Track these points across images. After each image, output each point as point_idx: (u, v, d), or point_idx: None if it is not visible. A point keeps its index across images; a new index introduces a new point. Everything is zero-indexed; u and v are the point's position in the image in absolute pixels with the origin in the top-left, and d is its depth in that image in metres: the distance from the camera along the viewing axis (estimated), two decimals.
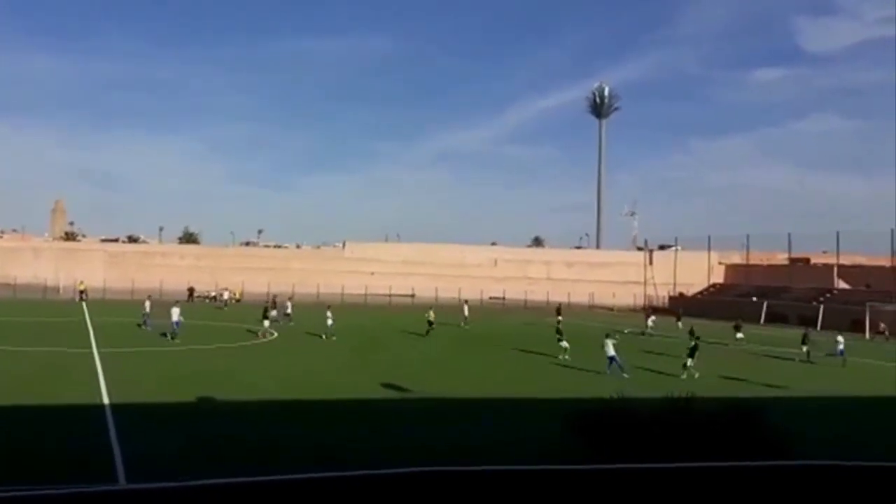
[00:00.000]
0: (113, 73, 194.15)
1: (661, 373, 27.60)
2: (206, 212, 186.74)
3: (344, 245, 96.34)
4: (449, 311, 52.12)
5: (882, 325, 49.23)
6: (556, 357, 31.10)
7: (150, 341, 33.32)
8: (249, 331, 38.02)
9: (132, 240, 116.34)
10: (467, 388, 23.69)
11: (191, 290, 66.87)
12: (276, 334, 37.04)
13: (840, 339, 34.45)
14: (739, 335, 42.55)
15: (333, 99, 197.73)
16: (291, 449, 14.54)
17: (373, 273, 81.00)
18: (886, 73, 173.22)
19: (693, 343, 28.98)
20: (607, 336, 28.91)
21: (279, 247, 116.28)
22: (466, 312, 49.37)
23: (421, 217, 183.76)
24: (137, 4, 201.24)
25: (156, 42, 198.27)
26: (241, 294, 66.96)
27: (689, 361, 27.30)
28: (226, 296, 62.82)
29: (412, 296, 76.09)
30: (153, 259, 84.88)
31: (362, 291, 72.44)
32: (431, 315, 42.71)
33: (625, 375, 26.32)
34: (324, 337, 36.64)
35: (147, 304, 40.74)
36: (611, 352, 27.83)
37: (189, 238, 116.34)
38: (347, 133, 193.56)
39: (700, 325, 43.67)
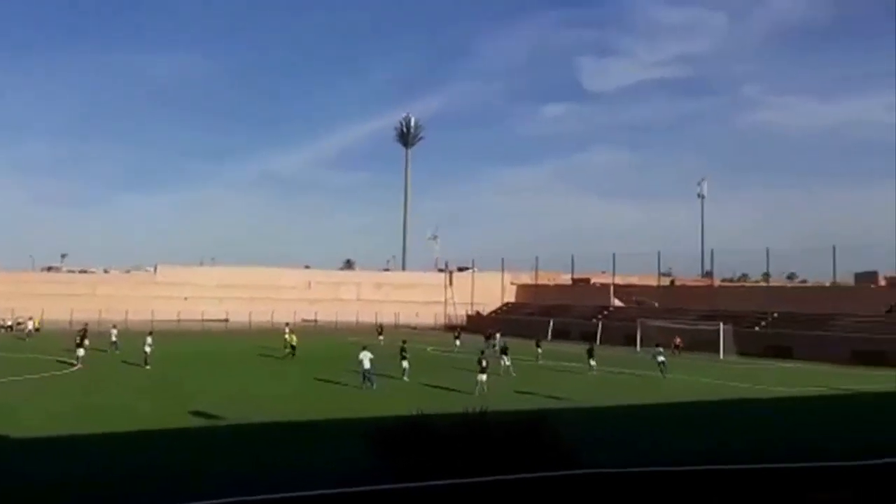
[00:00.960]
0: None
1: (455, 390, 28.35)
2: (4, 235, 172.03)
3: (156, 269, 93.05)
4: (266, 334, 52.64)
5: (678, 339, 51.66)
6: (394, 377, 31.82)
7: None
8: (60, 361, 36.31)
9: None
10: (278, 412, 23.32)
11: None
12: (80, 365, 35.32)
13: (660, 349, 38.86)
14: (540, 350, 45.16)
15: (149, 117, 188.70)
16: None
17: (186, 298, 79.02)
18: (658, 110, 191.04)
19: (482, 359, 29.26)
20: (364, 349, 29.51)
21: (85, 271, 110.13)
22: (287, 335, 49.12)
23: (237, 240, 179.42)
24: None
25: None
26: (40, 323, 60.54)
27: (482, 377, 28.27)
28: (30, 325, 58.88)
29: (226, 320, 75.35)
30: None
31: (175, 317, 70.90)
32: (293, 339, 43.13)
33: (373, 387, 27.80)
34: (148, 366, 35.49)
35: None
36: (366, 365, 28.62)
37: None
38: (163, 152, 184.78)
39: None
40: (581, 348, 41.46)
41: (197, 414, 22.74)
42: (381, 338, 55.33)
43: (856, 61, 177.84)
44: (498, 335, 53.72)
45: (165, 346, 42.56)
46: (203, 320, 72.86)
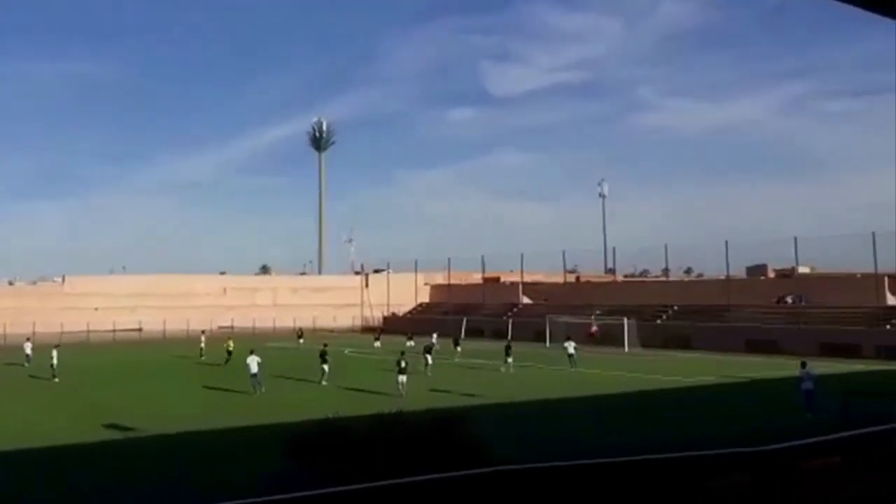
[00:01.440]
0: None
1: (377, 392, 28.50)
2: None
3: (64, 280, 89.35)
4: (181, 343, 51.39)
5: (594, 328, 53.64)
6: (314, 381, 31.78)
7: None
8: None
9: None
10: (195, 421, 22.47)
11: None
12: None
13: (571, 342, 39.66)
14: (459, 349, 45.89)
15: (55, 122, 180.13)
16: None
17: (96, 308, 76.20)
18: (560, 113, 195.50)
19: (401, 360, 29.00)
20: (252, 353, 29.09)
21: None
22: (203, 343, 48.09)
23: (149, 247, 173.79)
24: None
25: None
26: None
27: (402, 378, 28.21)
28: None
29: (139, 329, 73.02)
30: None
31: (85, 328, 68.34)
32: (231, 344, 42.41)
33: (260, 391, 27.71)
34: (56, 379, 34.05)
35: None
36: (254, 369, 28.18)
37: None
38: (69, 158, 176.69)
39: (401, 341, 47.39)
40: (495, 346, 42.15)
41: (110, 427, 21.95)
42: (301, 341, 55.02)
43: (740, 64, 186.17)
44: (435, 335, 54.21)
45: (75, 359, 41.15)
46: (115, 330, 70.38)
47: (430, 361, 36.46)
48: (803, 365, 25.05)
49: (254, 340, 50.06)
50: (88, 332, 67.53)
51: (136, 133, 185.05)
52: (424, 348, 38.12)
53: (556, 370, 38.11)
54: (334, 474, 11.78)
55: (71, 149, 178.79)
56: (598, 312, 58.13)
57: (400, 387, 27.98)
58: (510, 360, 37.85)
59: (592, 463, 11.22)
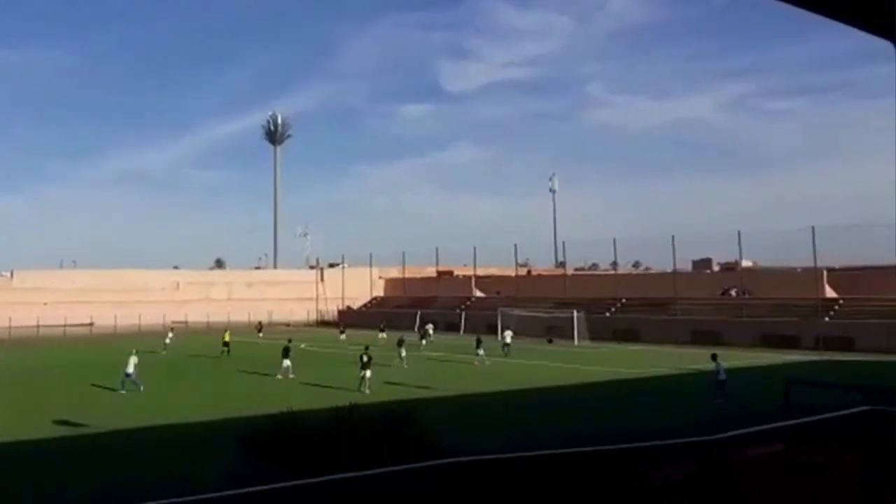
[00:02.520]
0: None
1: (339, 388, 28.01)
2: None
3: (12, 274, 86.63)
4: (134, 337, 50.16)
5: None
6: (276, 376, 31.36)
7: None
8: None
9: None
10: (149, 416, 21.93)
11: None
12: None
13: (509, 332, 39.69)
14: (424, 341, 45.87)
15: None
16: None
17: (46, 303, 74.00)
18: (513, 108, 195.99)
19: (364, 355, 28.24)
20: (134, 353, 28.29)
21: None
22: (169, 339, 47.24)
23: (100, 242, 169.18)
24: None
25: None
26: None
27: (366, 373, 27.44)
28: None
29: (90, 325, 71.13)
30: None
31: (34, 323, 66.34)
32: (227, 337, 42.81)
33: (124, 391, 26.77)
34: None
35: None
36: (130, 369, 27.35)
37: None
38: (15, 151, 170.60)
39: (366, 335, 46.98)
40: (454, 338, 42.10)
41: (60, 423, 21.13)
42: (260, 335, 54.46)
43: (687, 62, 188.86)
44: (430, 326, 54.58)
45: (22, 354, 39.83)
46: (66, 325, 68.42)
47: (404, 354, 36.20)
48: (714, 357, 26.29)
49: (210, 335, 49.34)
50: (38, 326, 65.62)
51: (87, 126, 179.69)
52: (398, 341, 37.90)
53: (507, 362, 38.24)
54: (286, 469, 11.59)
55: (20, 142, 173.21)
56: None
57: (363, 383, 27.18)
58: (482, 352, 37.50)
59: (536, 455, 11.05)
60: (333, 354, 42.66)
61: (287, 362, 32.21)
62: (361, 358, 28.35)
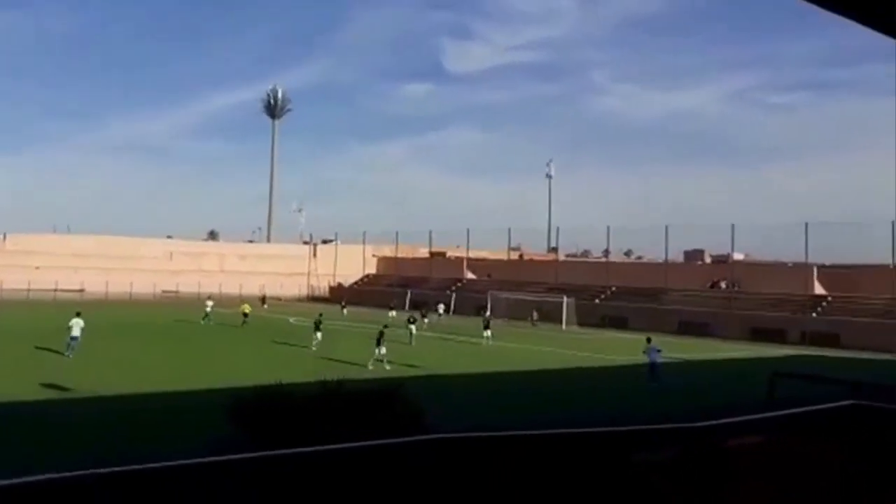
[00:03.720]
0: None
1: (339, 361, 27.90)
2: None
3: (4, 237, 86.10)
4: (125, 305, 49.84)
5: (535, 314, 53.95)
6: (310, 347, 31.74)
7: None
8: None
9: None
10: (138, 382, 21.73)
11: None
12: None
13: (489, 314, 39.84)
14: (426, 320, 45.70)
15: (3, 75, 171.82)
16: None
17: (38, 267, 73.55)
18: (514, 92, 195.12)
19: (380, 331, 28.12)
20: (77, 315, 27.93)
21: None
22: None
23: (95, 208, 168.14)
24: None
25: None
26: None
27: (381, 350, 27.17)
28: None
29: (81, 290, 70.78)
30: None
31: (25, 286, 66.04)
32: (247, 308, 44.77)
33: (70, 356, 26.44)
34: None
35: None
36: (75, 332, 27.07)
37: None
38: (16, 112, 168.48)
39: (358, 311, 46.74)
40: (448, 319, 41.95)
41: (48, 386, 20.90)
42: (265, 307, 56.36)
43: (690, 53, 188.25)
44: (441, 305, 54.99)
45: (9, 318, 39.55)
46: (56, 290, 68.05)
47: (414, 332, 36.49)
48: (649, 340, 26.62)
49: (200, 306, 49.07)
50: (29, 290, 65.26)
51: (87, 91, 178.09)
52: (408, 318, 38.21)
53: (494, 345, 38.00)
54: (270, 439, 11.09)
55: (18, 104, 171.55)
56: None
57: (377, 358, 27.05)
58: (488, 332, 38.02)
59: (519, 434, 10.96)
60: (344, 328, 42.44)
61: (319, 335, 32.87)
62: (381, 334, 27.97)
